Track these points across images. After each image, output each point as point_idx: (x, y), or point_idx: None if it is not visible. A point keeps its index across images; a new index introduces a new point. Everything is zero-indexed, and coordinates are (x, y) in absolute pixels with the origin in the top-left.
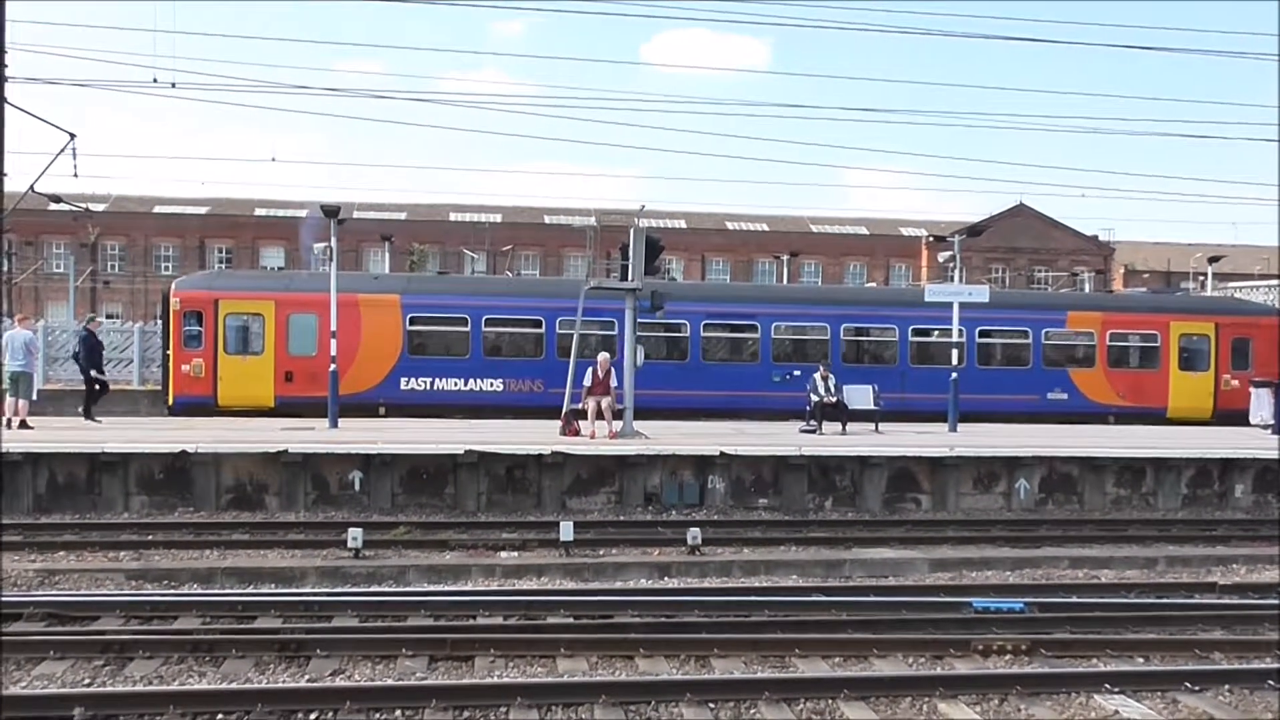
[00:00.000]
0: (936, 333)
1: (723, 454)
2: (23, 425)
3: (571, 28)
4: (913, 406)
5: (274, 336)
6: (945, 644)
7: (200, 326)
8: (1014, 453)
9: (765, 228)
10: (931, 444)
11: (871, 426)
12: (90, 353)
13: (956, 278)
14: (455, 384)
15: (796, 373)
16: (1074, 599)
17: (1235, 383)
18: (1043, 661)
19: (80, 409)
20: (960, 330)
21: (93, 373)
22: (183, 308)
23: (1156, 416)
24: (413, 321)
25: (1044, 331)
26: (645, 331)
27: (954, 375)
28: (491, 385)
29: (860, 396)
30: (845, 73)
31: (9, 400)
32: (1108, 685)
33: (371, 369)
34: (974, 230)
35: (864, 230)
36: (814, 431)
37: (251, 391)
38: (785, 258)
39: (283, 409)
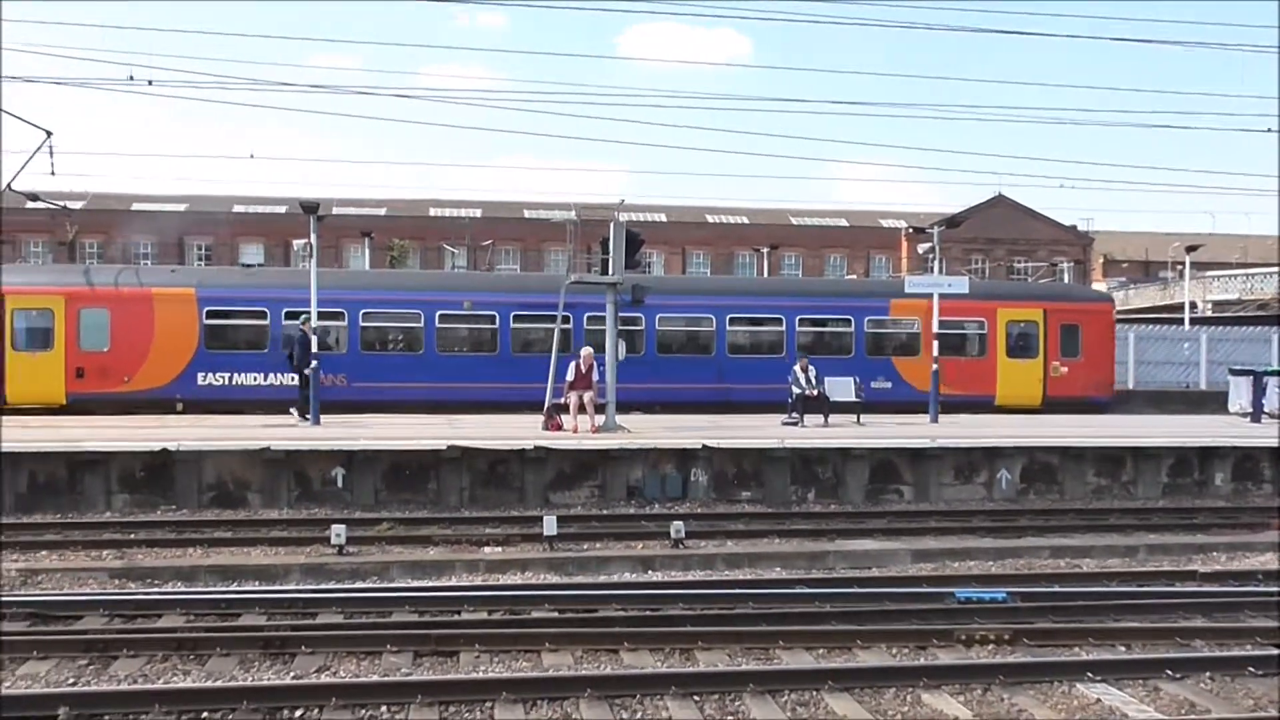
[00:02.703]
0: (756, 323)
1: (705, 447)
2: None
3: (549, 21)
4: (732, 398)
5: (64, 332)
6: (928, 634)
7: None
8: (995, 443)
9: (746, 220)
10: (913, 435)
11: (853, 418)
12: (304, 352)
13: (936, 269)
14: (254, 378)
15: None
16: (1056, 588)
17: (1065, 369)
18: (1025, 651)
19: (294, 408)
20: (780, 319)
21: (306, 371)
22: None
23: (984, 404)
24: (209, 315)
25: (866, 319)
26: (459, 324)
27: (934, 366)
28: (291, 379)
29: (842, 389)
30: (827, 66)
31: None
32: (1090, 673)
33: (166, 364)
34: (953, 221)
35: (844, 222)
36: (796, 424)
37: (41, 388)
38: (765, 250)
39: (74, 406)
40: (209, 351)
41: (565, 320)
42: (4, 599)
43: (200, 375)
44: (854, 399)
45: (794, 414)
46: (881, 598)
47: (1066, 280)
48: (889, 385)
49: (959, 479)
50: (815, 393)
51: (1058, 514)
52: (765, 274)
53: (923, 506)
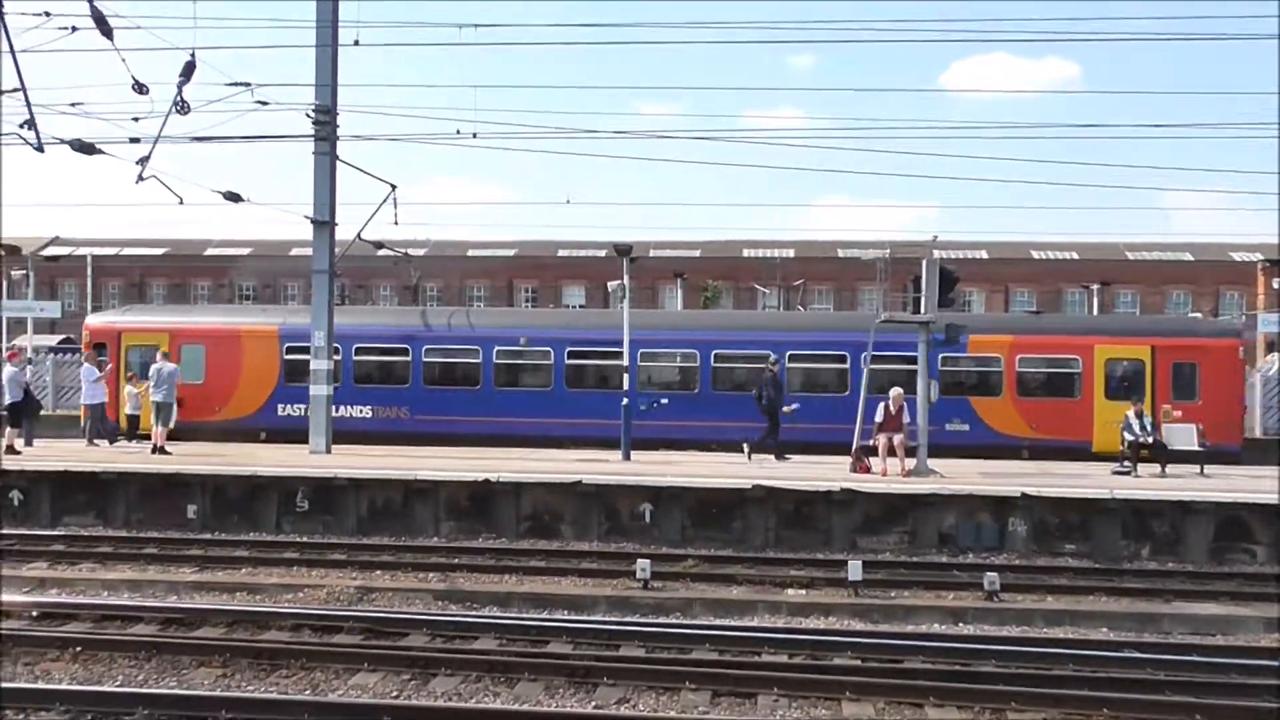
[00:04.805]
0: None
1: (1024, 495)
2: (161, 450)
3: (864, 60)
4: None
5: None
6: None
7: (105, 357)
8: None
9: (1075, 256)
10: (1269, 490)
11: (1195, 469)
12: (776, 392)
13: None
14: None
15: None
16: None
17: (1178, 414)
18: None
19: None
20: (844, 356)
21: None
22: (91, 339)
23: (1078, 452)
24: (289, 351)
25: (940, 357)
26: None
27: None
28: (361, 412)
29: (1183, 437)
30: (1161, 87)
31: (155, 428)
32: None
33: (252, 396)
34: None
35: (1188, 256)
36: (1128, 473)
37: (150, 416)
38: (1096, 287)
39: (175, 433)
40: (288, 385)
41: (874, 360)
42: (343, 613)
43: (280, 406)
44: (1196, 448)
45: (1125, 462)
46: (1227, 669)
47: None
48: (966, 428)
49: None
50: (1150, 440)
51: None
52: (1095, 312)
53: None
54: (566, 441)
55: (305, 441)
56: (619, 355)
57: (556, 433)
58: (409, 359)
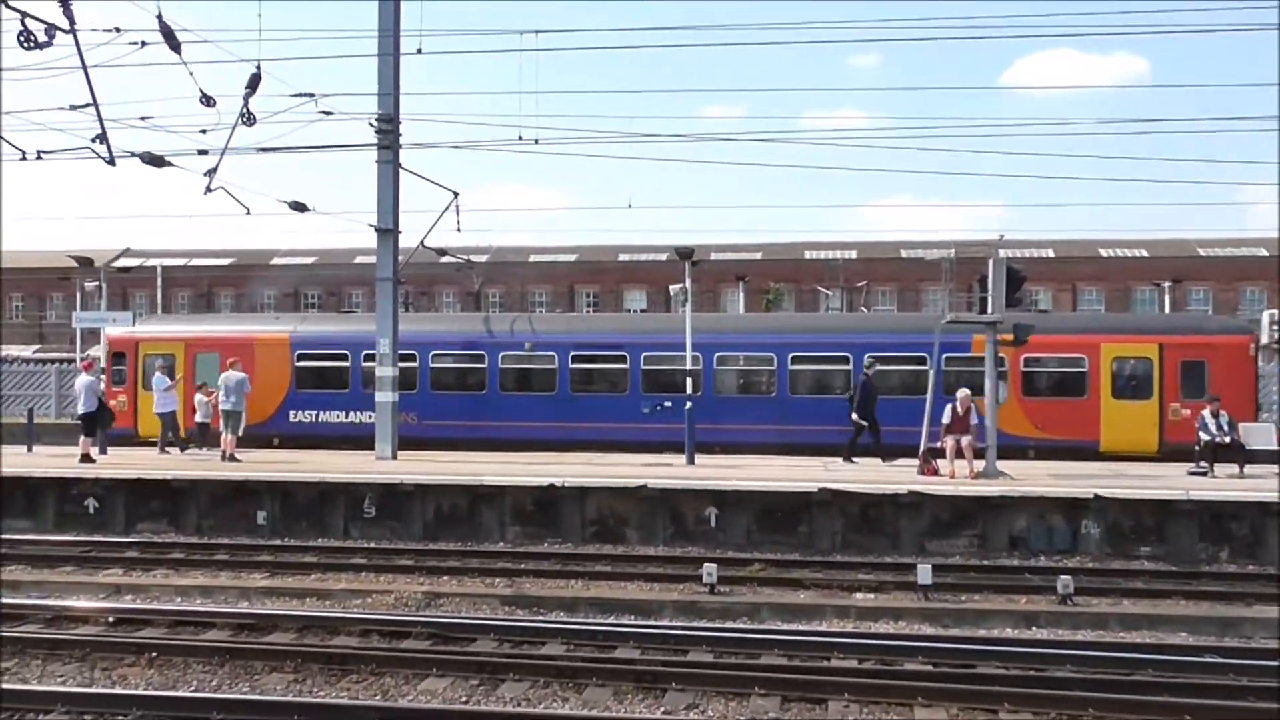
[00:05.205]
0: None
1: (1097, 496)
2: (231, 458)
3: (925, 60)
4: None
5: (183, 374)
6: None
7: (124, 366)
8: None
9: (1144, 253)
10: None
11: (1275, 469)
12: (865, 399)
13: None
14: (337, 416)
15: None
16: None
17: (1186, 412)
18: None
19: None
20: (846, 358)
21: (854, 416)
22: (111, 349)
23: (1086, 451)
24: (300, 358)
25: (944, 357)
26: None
27: None
28: (370, 417)
29: (1261, 436)
30: (1233, 80)
31: (225, 435)
32: None
33: (265, 402)
34: None
35: (1263, 251)
36: (1204, 474)
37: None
38: (1166, 284)
39: (192, 440)
40: (299, 392)
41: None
42: (411, 619)
43: (291, 413)
44: (1275, 447)
45: (1201, 463)
46: None
47: None
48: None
49: None
50: (1227, 440)
51: None
52: (1168, 310)
53: None
54: (571, 445)
55: (315, 447)
56: (622, 359)
57: (561, 436)
58: (416, 365)
